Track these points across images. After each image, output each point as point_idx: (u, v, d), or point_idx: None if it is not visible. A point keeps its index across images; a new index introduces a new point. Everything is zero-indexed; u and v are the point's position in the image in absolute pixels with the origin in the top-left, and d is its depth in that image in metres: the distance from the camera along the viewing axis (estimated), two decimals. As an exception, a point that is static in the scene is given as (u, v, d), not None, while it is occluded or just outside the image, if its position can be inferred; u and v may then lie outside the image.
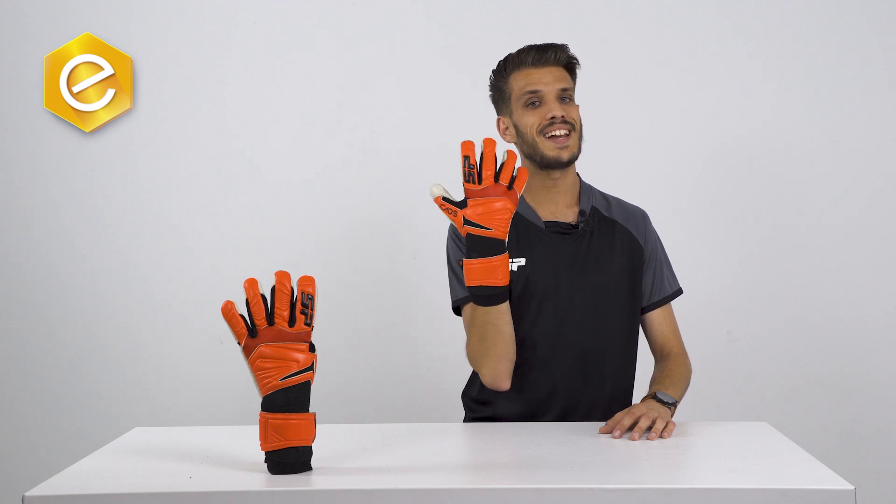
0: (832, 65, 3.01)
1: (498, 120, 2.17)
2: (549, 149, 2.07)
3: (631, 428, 1.84)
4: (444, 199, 1.88)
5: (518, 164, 1.93)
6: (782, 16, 3.01)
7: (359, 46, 3.06)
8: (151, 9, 3.06)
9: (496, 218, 1.87)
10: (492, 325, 1.98)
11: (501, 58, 2.14)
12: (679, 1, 3.02)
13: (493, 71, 2.15)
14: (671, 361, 2.13)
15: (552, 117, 2.05)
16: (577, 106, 2.13)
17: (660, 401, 1.93)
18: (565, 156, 2.07)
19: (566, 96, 2.09)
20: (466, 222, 1.87)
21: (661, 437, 1.81)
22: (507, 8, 3.05)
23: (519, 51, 2.11)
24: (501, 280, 1.91)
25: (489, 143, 1.85)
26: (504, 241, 1.88)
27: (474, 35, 3.04)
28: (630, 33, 3.03)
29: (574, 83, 2.14)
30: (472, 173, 1.85)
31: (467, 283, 1.92)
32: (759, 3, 3.02)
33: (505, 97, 2.13)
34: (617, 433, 1.82)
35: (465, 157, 1.85)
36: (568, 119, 2.07)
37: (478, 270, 1.90)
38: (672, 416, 1.92)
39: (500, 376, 2.04)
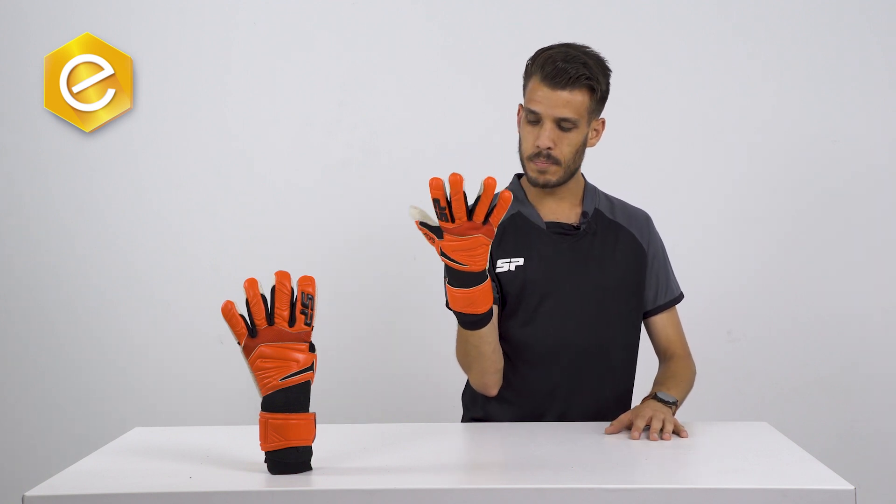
0: (832, 65, 3.00)
1: (519, 106, 2.10)
2: (531, 170, 2.05)
3: (645, 429, 1.84)
4: (423, 223, 1.77)
5: (499, 189, 1.78)
6: (782, 16, 3.01)
7: (359, 46, 3.06)
8: (151, 9, 3.06)
9: (472, 254, 1.76)
10: (473, 346, 1.99)
11: (540, 47, 2.05)
12: (679, 1, 3.02)
13: (530, 58, 2.06)
14: (674, 363, 2.13)
15: (538, 146, 2.01)
16: (597, 121, 2.05)
17: (661, 400, 1.93)
18: (541, 181, 2.04)
19: (566, 127, 2.01)
20: (443, 254, 1.79)
21: (662, 437, 1.81)
22: (508, 8, 3.04)
23: (547, 55, 2.01)
24: (481, 308, 1.86)
25: (455, 184, 1.69)
26: (482, 271, 1.80)
27: (474, 35, 3.04)
28: (630, 33, 3.03)
29: (597, 101, 2.03)
30: (444, 213, 1.73)
31: (451, 307, 1.88)
32: (760, 3, 3.01)
33: (524, 92, 2.06)
34: (636, 434, 1.81)
35: (435, 200, 1.71)
36: (553, 153, 2.01)
37: (458, 299, 1.85)
38: (673, 415, 1.92)
39: (485, 386, 2.08)
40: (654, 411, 1.86)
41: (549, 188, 2.07)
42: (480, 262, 1.78)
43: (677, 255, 2.33)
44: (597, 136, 2.09)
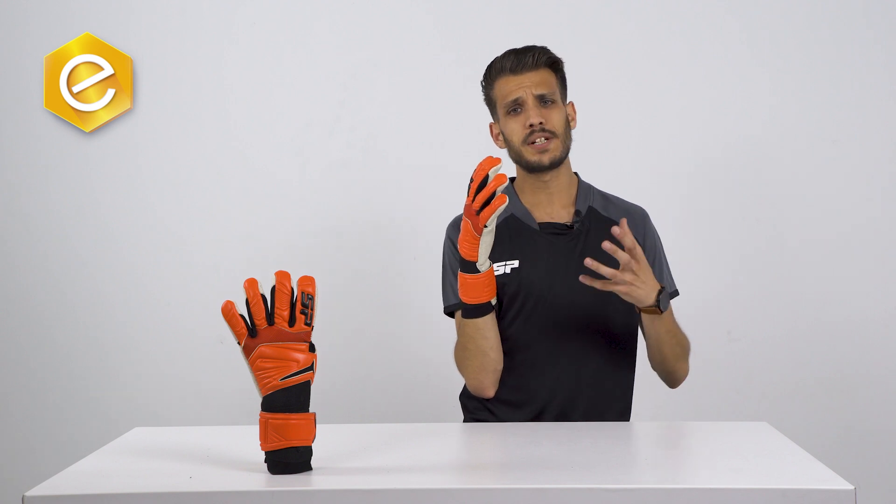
0: (832, 65, 3.00)
1: (490, 125, 2.18)
2: (530, 154, 2.08)
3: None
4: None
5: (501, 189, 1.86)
6: (782, 16, 3.01)
7: (359, 46, 3.06)
8: (151, 9, 3.06)
9: (464, 243, 1.93)
10: (471, 339, 2.03)
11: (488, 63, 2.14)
12: (680, 1, 3.02)
13: (483, 77, 2.16)
14: None
15: (531, 125, 2.05)
16: (567, 105, 2.12)
17: (661, 285, 1.96)
18: (546, 160, 2.07)
19: (548, 99, 2.08)
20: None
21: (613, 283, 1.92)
22: (508, 8, 3.04)
23: (500, 57, 2.12)
24: (478, 298, 1.98)
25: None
26: (472, 262, 1.93)
27: (475, 35, 3.04)
28: (630, 33, 3.03)
29: (561, 82, 2.13)
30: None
31: (461, 297, 2.01)
32: (760, 4, 3.01)
33: (492, 104, 2.14)
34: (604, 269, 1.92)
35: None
36: (547, 127, 2.06)
37: (469, 286, 1.98)
38: (654, 300, 1.94)
39: (482, 386, 2.09)
40: (645, 276, 1.92)
41: (552, 168, 2.09)
42: (468, 250, 1.93)
43: (677, 255, 2.33)
44: (573, 118, 2.16)
